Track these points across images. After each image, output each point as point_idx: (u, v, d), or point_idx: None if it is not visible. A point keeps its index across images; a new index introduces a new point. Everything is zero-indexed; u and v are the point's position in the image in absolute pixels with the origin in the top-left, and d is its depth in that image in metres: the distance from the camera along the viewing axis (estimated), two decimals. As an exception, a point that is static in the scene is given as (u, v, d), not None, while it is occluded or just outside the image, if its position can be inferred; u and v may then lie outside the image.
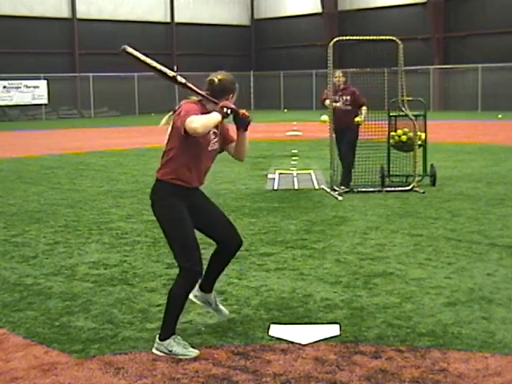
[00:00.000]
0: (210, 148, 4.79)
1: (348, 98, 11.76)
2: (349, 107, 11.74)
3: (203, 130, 4.50)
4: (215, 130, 4.79)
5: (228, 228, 5.03)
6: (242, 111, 4.73)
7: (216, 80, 4.78)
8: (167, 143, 4.75)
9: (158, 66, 4.72)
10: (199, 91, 4.77)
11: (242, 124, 4.77)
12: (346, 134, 11.76)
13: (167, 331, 4.69)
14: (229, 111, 4.64)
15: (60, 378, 4.34)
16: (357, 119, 11.69)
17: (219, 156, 5.08)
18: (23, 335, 5.10)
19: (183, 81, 4.75)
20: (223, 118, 4.64)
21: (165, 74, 4.72)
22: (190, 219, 4.76)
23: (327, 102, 11.69)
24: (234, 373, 4.38)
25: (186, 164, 4.70)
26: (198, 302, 5.18)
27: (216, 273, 5.14)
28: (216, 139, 4.83)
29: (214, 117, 4.58)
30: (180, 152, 4.69)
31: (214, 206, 5.05)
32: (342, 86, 11.88)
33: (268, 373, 4.37)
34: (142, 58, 4.69)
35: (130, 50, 4.66)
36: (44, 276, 6.71)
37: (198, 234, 4.84)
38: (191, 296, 5.08)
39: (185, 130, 4.52)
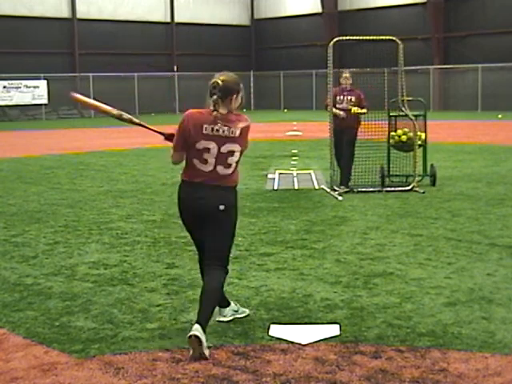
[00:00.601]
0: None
1: (353, 98, 11.85)
2: (352, 107, 11.82)
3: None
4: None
5: None
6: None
7: (220, 82, 4.81)
8: (235, 155, 4.87)
9: (104, 107, 5.21)
10: (149, 127, 5.16)
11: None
12: (345, 134, 11.80)
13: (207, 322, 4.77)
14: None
15: (60, 378, 4.34)
16: (354, 109, 11.74)
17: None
18: (23, 335, 5.10)
19: (128, 117, 5.20)
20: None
21: (110, 113, 5.18)
22: None
23: (328, 108, 11.81)
24: (234, 373, 4.38)
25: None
26: (229, 318, 5.31)
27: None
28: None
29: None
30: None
31: None
32: (348, 88, 11.96)
33: (268, 373, 4.37)
34: (90, 102, 5.16)
35: (77, 96, 5.14)
36: (44, 276, 6.71)
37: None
38: (221, 319, 5.28)
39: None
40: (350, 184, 11.85)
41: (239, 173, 5.00)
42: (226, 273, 5.02)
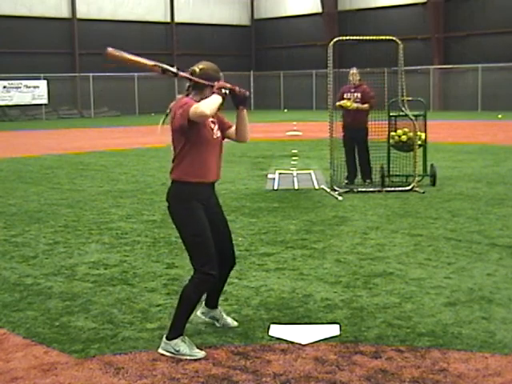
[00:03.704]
0: (215, 136, 4.77)
1: (359, 95, 11.96)
2: (359, 104, 11.97)
3: (211, 112, 4.48)
4: (213, 119, 4.78)
5: (230, 246, 5.00)
6: (238, 88, 4.69)
7: (197, 70, 4.73)
8: (174, 146, 4.73)
9: (148, 62, 4.73)
10: (193, 78, 4.72)
11: (241, 101, 4.73)
12: (358, 134, 12.06)
13: (176, 331, 4.68)
14: (227, 91, 4.62)
15: (60, 378, 4.35)
16: (347, 103, 11.94)
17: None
18: (23, 335, 5.10)
19: (174, 70, 4.73)
20: (223, 98, 4.61)
21: (159, 67, 4.71)
22: (206, 221, 4.74)
23: (337, 103, 12.03)
24: (234, 373, 4.38)
25: (197, 158, 4.67)
26: (205, 319, 5.21)
27: (217, 288, 5.11)
28: (216, 127, 4.82)
29: (216, 99, 4.56)
30: (188, 149, 4.66)
31: (225, 221, 5.00)
32: (356, 83, 12.06)
33: (268, 373, 4.37)
34: (128, 56, 4.70)
35: (112, 50, 4.65)
36: (44, 276, 6.71)
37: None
38: (198, 313, 5.19)
39: (189, 120, 4.51)
40: (372, 176, 12.18)
41: (186, 165, 4.72)
42: (200, 276, 4.66)
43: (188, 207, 4.71)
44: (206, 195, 4.80)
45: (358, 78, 12.15)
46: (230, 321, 5.23)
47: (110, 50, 4.65)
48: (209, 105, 4.48)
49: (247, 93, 4.74)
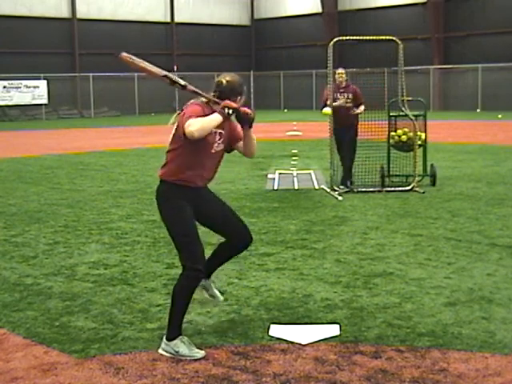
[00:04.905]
0: (213, 150, 4.75)
1: (350, 95, 11.83)
2: (350, 104, 11.82)
3: (199, 134, 4.48)
4: (221, 131, 4.75)
5: (238, 226, 4.98)
6: (244, 109, 4.68)
7: (224, 81, 4.76)
8: (170, 143, 4.77)
9: (158, 72, 4.74)
10: (201, 92, 4.75)
11: (245, 122, 4.73)
12: (347, 133, 11.81)
13: (174, 331, 4.69)
14: (230, 111, 4.59)
15: (60, 378, 4.35)
16: (357, 111, 11.76)
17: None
18: (23, 335, 5.10)
19: (183, 83, 4.75)
20: (225, 118, 4.61)
21: (168, 78, 4.73)
22: (193, 218, 4.76)
23: (328, 102, 11.70)
24: (234, 373, 4.38)
25: (186, 164, 4.70)
26: (211, 290, 5.20)
27: (218, 261, 5.13)
28: (221, 140, 4.79)
29: (214, 118, 4.56)
30: (181, 153, 4.69)
31: (222, 203, 4.99)
32: (343, 84, 11.94)
33: (268, 373, 4.37)
34: (140, 63, 4.72)
35: (126, 55, 4.68)
36: (44, 276, 6.71)
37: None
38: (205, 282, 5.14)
39: (184, 133, 4.54)
40: (349, 183, 11.83)
41: (173, 167, 4.76)
42: (188, 272, 4.67)
43: (174, 206, 4.73)
44: (191, 195, 4.78)
45: (346, 78, 12.03)
46: (218, 293, 5.23)
47: (123, 54, 4.69)
48: (201, 126, 4.47)
49: (252, 114, 4.72)
